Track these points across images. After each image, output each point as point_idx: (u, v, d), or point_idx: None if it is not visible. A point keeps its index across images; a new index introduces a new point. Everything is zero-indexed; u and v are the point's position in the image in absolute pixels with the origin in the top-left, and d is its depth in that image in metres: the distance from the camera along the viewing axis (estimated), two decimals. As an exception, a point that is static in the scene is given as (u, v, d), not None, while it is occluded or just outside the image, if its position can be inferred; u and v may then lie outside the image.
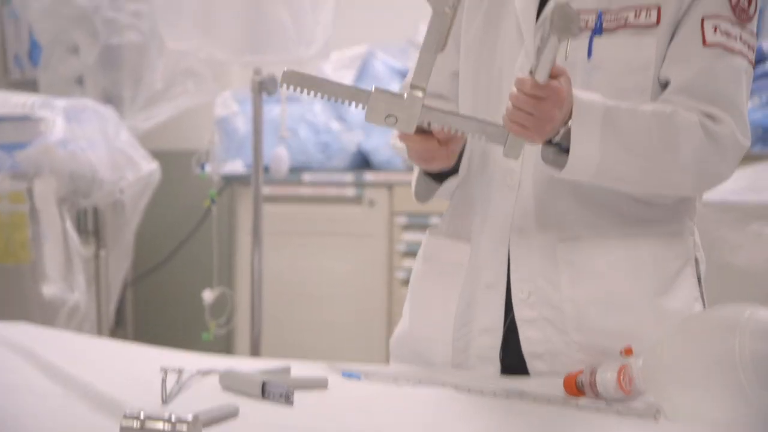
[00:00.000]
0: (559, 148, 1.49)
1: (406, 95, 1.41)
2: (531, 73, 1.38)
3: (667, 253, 1.58)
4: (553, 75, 1.39)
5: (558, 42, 1.34)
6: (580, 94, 1.46)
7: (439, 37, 1.39)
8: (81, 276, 3.35)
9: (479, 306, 1.62)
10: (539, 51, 1.37)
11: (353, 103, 1.42)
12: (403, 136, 1.50)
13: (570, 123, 1.45)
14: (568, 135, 1.46)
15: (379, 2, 4.16)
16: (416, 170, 1.69)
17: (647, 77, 1.54)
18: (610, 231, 1.57)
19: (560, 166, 1.48)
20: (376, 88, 1.42)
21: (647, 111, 1.49)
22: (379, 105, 1.42)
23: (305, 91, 1.43)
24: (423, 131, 1.48)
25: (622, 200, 1.57)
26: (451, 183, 1.65)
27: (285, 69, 1.43)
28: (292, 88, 1.42)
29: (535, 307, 1.58)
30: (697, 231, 1.65)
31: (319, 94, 1.42)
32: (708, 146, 1.50)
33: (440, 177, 1.66)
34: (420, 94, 1.41)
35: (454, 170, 1.64)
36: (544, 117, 1.40)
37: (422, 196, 1.70)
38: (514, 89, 1.40)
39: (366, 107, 1.42)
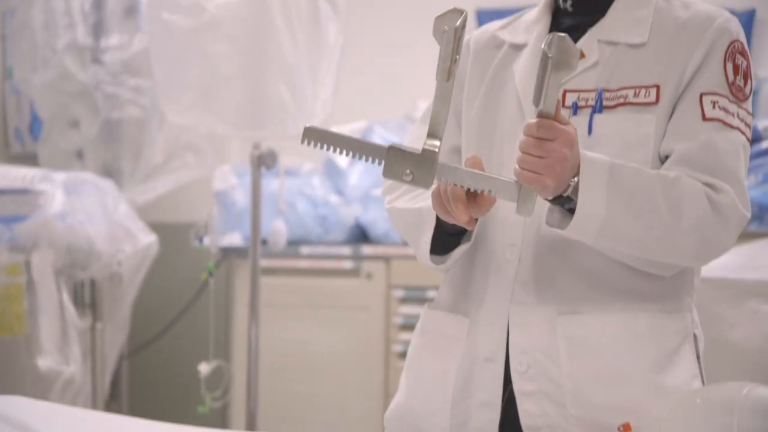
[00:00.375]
0: (563, 209, 1.50)
1: (421, 151, 1.42)
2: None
3: (666, 329, 1.58)
4: (560, 122, 1.41)
5: (556, 75, 1.35)
6: (585, 152, 1.47)
7: (444, 64, 1.40)
8: (76, 348, 3.33)
9: (478, 379, 1.61)
10: (540, 88, 1.38)
11: (370, 159, 1.44)
12: (455, 202, 1.47)
13: (577, 179, 1.46)
14: (574, 193, 1.47)
15: (377, 79, 4.22)
16: (423, 244, 1.65)
17: (647, 153, 1.56)
18: (609, 305, 1.57)
19: (565, 227, 1.49)
20: (391, 145, 1.43)
21: (652, 173, 1.51)
22: (395, 161, 1.43)
23: (325, 146, 1.44)
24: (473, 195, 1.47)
25: (622, 274, 1.57)
26: (462, 249, 1.63)
27: (306, 126, 1.45)
28: (312, 143, 1.44)
29: (533, 381, 1.57)
30: (695, 307, 1.65)
31: (338, 150, 1.44)
32: (711, 214, 1.51)
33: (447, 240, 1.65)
34: (436, 145, 1.42)
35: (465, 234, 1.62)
36: (554, 158, 1.41)
37: (432, 265, 1.67)
38: (523, 137, 1.41)
39: (383, 164, 1.43)
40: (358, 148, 1.44)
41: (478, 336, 1.61)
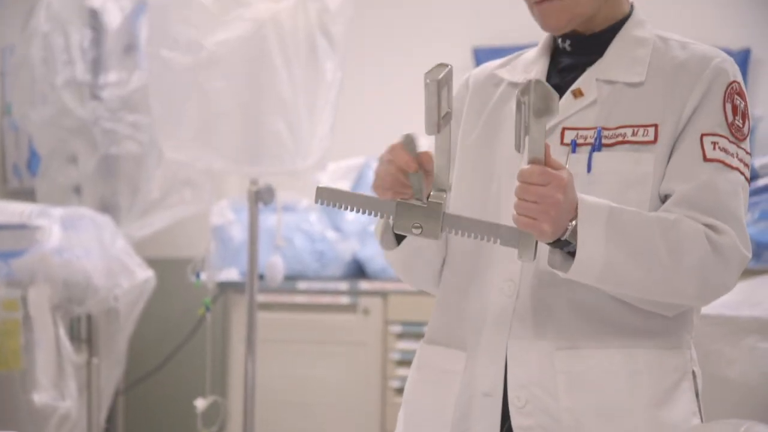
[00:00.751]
0: (564, 251, 1.51)
1: (427, 204, 1.46)
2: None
3: (665, 366, 1.58)
4: (551, 166, 1.42)
5: (538, 121, 1.37)
6: (583, 195, 1.48)
7: (431, 116, 1.42)
8: (72, 383, 3.32)
9: (475, 414, 1.61)
10: (518, 134, 1.40)
11: (380, 214, 1.48)
12: (391, 151, 1.49)
13: (575, 222, 1.46)
14: (573, 237, 1.47)
15: (375, 115, 4.24)
16: (381, 223, 1.65)
17: (645, 191, 1.56)
18: (608, 341, 1.56)
19: (566, 269, 1.50)
20: (399, 201, 1.47)
21: (651, 216, 1.52)
22: (404, 216, 1.47)
23: (337, 205, 1.49)
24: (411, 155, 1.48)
25: (620, 310, 1.57)
26: (417, 242, 1.61)
27: (318, 186, 1.50)
28: (326, 203, 1.49)
29: (531, 416, 1.56)
30: (693, 344, 1.65)
31: (348, 208, 1.49)
32: (712, 255, 1.51)
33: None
34: (442, 196, 1.46)
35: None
36: (548, 202, 1.42)
37: (387, 243, 1.66)
38: (518, 183, 1.43)
39: (393, 218, 1.47)
40: (368, 204, 1.49)
41: (476, 370, 1.61)
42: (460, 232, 1.47)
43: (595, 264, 1.48)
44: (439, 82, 1.40)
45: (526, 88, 1.37)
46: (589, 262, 1.48)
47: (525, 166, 1.43)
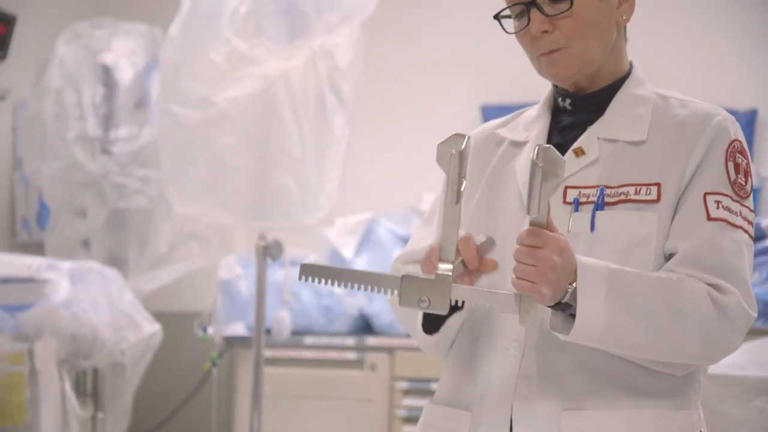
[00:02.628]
0: (566, 314, 1.50)
1: (435, 276, 1.44)
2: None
3: (672, 427, 1.56)
4: (551, 230, 1.42)
5: (545, 185, 1.37)
6: (582, 258, 1.48)
7: (453, 186, 1.42)
8: (77, 438, 3.31)
9: (480, 475, 1.60)
10: (532, 198, 1.39)
11: (384, 290, 1.46)
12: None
13: (574, 285, 1.46)
14: (574, 299, 1.47)
15: (382, 172, 4.26)
16: (417, 319, 1.66)
17: (649, 250, 1.56)
18: (614, 402, 1.55)
19: (567, 331, 1.49)
20: (405, 275, 1.45)
21: (652, 276, 1.51)
22: (411, 290, 1.44)
23: (336, 283, 1.46)
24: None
25: (627, 371, 1.56)
26: (456, 321, 1.63)
27: (302, 263, 1.48)
28: (312, 280, 1.46)
29: (537, 478, 1.55)
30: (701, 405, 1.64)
31: (350, 285, 1.46)
32: (716, 315, 1.50)
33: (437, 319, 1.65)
34: (449, 269, 1.44)
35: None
36: (545, 265, 1.42)
37: (426, 338, 1.66)
38: (516, 246, 1.43)
39: (399, 294, 1.44)
40: (370, 280, 1.47)
41: (481, 431, 1.60)
42: (465, 302, 1.47)
43: (596, 326, 1.47)
44: (462, 154, 1.42)
45: (537, 153, 1.37)
46: (589, 324, 1.47)
47: (523, 229, 1.43)
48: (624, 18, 1.66)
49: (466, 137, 1.43)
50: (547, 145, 1.38)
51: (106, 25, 4.04)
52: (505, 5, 1.65)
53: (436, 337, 1.64)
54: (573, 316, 1.49)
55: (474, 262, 1.48)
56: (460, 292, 1.45)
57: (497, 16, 1.67)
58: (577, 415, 1.55)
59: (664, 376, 1.57)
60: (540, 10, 1.60)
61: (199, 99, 3.06)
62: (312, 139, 3.08)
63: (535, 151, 1.38)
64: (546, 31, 1.60)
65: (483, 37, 4.16)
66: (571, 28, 1.60)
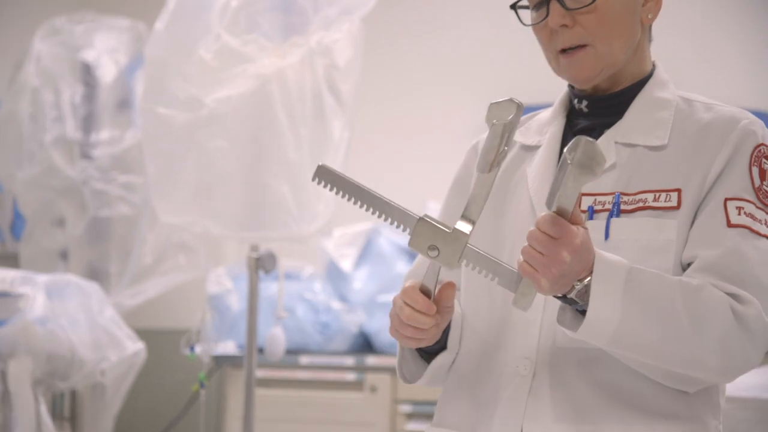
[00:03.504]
0: (577, 310, 1.51)
1: (452, 229, 1.46)
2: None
3: (691, 453, 1.58)
4: (573, 222, 1.42)
5: (577, 177, 1.37)
6: (601, 252, 1.48)
7: (488, 155, 1.45)
8: (53, 467, 3.31)
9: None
10: (554, 191, 1.41)
11: (397, 224, 1.47)
12: (407, 295, 1.53)
13: (589, 279, 1.47)
14: (587, 293, 1.47)
15: (384, 178, 4.26)
16: (401, 350, 1.71)
17: (668, 259, 1.57)
18: (631, 424, 1.56)
19: (576, 328, 1.49)
20: (424, 216, 1.47)
21: (673, 279, 1.51)
22: (424, 233, 1.46)
23: (347, 197, 1.48)
24: (427, 294, 1.53)
25: (644, 391, 1.56)
26: (442, 360, 1.66)
27: (320, 164, 1.50)
28: (327, 186, 1.49)
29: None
30: (723, 430, 1.65)
31: (365, 207, 1.48)
32: (736, 327, 1.51)
33: (426, 355, 1.69)
34: (468, 228, 1.46)
35: (440, 347, 1.66)
36: (552, 258, 1.42)
37: (411, 376, 1.71)
38: (533, 228, 1.44)
39: (411, 233, 1.46)
40: (384, 208, 1.48)
41: (488, 456, 1.61)
42: (472, 265, 1.48)
43: (609, 325, 1.47)
44: (504, 126, 1.44)
45: (574, 145, 1.37)
46: (601, 322, 1.47)
47: (547, 213, 1.43)
48: (650, 17, 1.68)
49: (518, 106, 1.44)
50: (590, 139, 1.38)
51: (87, 20, 4.06)
52: None
53: (425, 380, 1.69)
54: (583, 313, 1.49)
55: (431, 310, 1.53)
56: (469, 252, 1.47)
57: (514, 6, 1.67)
58: (591, 437, 1.56)
59: (681, 396, 1.57)
60: (560, 2, 1.61)
61: (187, 99, 3.06)
62: (309, 142, 3.08)
63: (572, 145, 1.37)
64: (565, 26, 1.62)
65: (491, 37, 4.19)
66: (593, 24, 1.61)
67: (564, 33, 1.62)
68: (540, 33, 1.66)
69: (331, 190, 1.49)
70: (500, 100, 1.45)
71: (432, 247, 1.46)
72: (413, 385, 1.76)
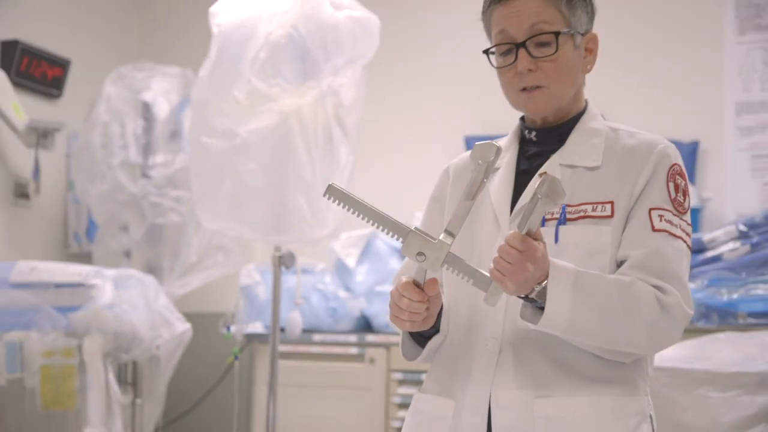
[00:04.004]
0: (536, 307, 1.51)
1: (437, 240, 1.46)
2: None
3: (627, 410, 1.57)
4: (535, 238, 1.44)
5: (543, 206, 1.39)
6: (554, 260, 1.49)
7: (473, 187, 1.44)
8: (119, 421, 3.29)
9: (462, 454, 1.59)
10: (525, 219, 1.42)
11: (392, 234, 1.46)
12: (403, 288, 1.52)
13: (546, 283, 1.47)
14: (544, 294, 1.48)
15: (380, 193, 4.25)
16: (402, 335, 1.69)
17: (605, 259, 1.57)
18: (578, 390, 1.56)
19: (537, 321, 1.50)
20: (415, 228, 1.47)
21: (611, 278, 1.52)
22: (413, 243, 1.46)
23: (351, 210, 1.47)
24: (418, 287, 1.52)
25: (588, 363, 1.57)
26: (435, 342, 1.66)
27: (330, 184, 1.50)
28: (336, 201, 1.48)
29: (514, 456, 1.55)
30: (651, 393, 1.64)
31: (364, 218, 1.47)
32: (661, 313, 1.51)
33: (421, 339, 1.68)
34: (450, 240, 1.46)
35: (434, 331, 1.65)
36: (519, 268, 1.43)
37: (411, 355, 1.71)
38: (503, 243, 1.44)
39: (403, 242, 1.46)
40: (383, 221, 1.47)
41: (463, 416, 1.60)
42: (452, 269, 1.48)
43: (562, 317, 1.48)
44: (488, 165, 1.44)
45: (543, 181, 1.39)
46: (556, 315, 1.48)
47: (516, 232, 1.44)
48: (588, 67, 1.69)
49: (497, 148, 1.44)
50: (556, 177, 1.40)
51: (146, 68, 4.05)
52: (492, 44, 1.66)
53: (422, 357, 1.68)
54: (541, 309, 1.50)
55: (424, 299, 1.52)
56: (451, 259, 1.47)
57: (486, 52, 1.67)
58: (547, 401, 1.56)
59: (619, 366, 1.58)
60: (528, 51, 1.60)
61: (224, 131, 3.06)
62: (320, 165, 3.08)
63: (542, 181, 1.40)
64: (530, 70, 1.61)
65: (466, 78, 4.18)
66: (552, 71, 1.61)
67: (528, 75, 1.62)
68: (506, 74, 1.65)
69: (338, 205, 1.49)
70: (483, 142, 1.46)
71: (420, 254, 1.46)
72: (409, 361, 1.75)
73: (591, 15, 1.67)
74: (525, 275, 1.44)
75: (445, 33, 4.33)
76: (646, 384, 1.63)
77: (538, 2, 1.60)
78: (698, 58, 3.94)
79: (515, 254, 1.43)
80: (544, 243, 1.46)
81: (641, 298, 1.51)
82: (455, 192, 1.73)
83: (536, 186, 1.40)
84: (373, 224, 1.47)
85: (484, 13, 1.68)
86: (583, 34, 1.65)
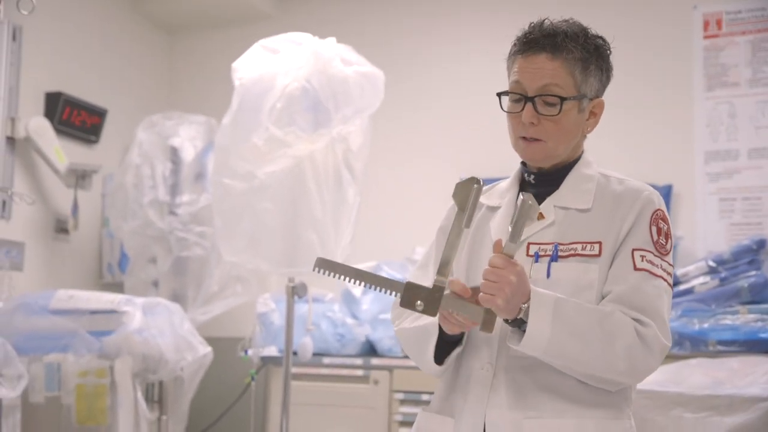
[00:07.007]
0: (521, 331, 1.50)
1: (432, 287, 1.45)
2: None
3: (611, 431, 1.56)
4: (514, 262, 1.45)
5: (524, 224, 1.41)
6: (536, 287, 1.49)
7: (459, 230, 1.44)
8: (146, 437, 3.27)
9: (460, 469, 1.58)
10: (514, 229, 1.43)
11: (387, 292, 1.44)
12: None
13: (527, 305, 1.47)
14: (526, 316, 1.47)
15: (384, 230, 4.26)
16: (424, 356, 1.65)
17: (593, 294, 1.56)
18: (565, 412, 1.55)
19: (518, 343, 1.50)
20: (408, 282, 1.46)
21: (590, 307, 1.52)
22: (411, 295, 1.45)
23: (345, 279, 1.44)
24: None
25: (575, 388, 1.56)
26: (459, 349, 1.64)
27: (318, 257, 1.47)
28: (324, 273, 1.44)
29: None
30: (633, 415, 1.62)
31: (360, 283, 1.44)
32: (638, 342, 1.50)
33: (443, 344, 1.64)
34: (444, 281, 1.45)
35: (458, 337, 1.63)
36: (503, 281, 1.43)
37: (433, 368, 1.66)
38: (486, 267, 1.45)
39: (401, 295, 1.45)
40: (378, 281, 1.46)
41: (461, 432, 1.58)
42: (450, 309, 1.46)
43: (542, 340, 1.47)
44: (470, 206, 1.45)
45: (524, 201, 1.42)
46: (537, 337, 1.47)
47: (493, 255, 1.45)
48: (589, 129, 1.68)
49: (475, 188, 1.44)
50: (531, 198, 1.42)
51: (175, 117, 4.08)
52: (507, 89, 1.64)
53: (445, 366, 1.64)
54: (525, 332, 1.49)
55: (467, 292, 1.49)
56: (447, 301, 1.46)
57: (500, 94, 1.66)
58: (536, 422, 1.55)
59: (604, 392, 1.57)
60: (534, 106, 1.60)
61: (244, 173, 3.07)
62: (331, 204, 3.08)
63: (523, 200, 1.42)
64: (533, 123, 1.61)
65: (462, 126, 4.20)
66: (552, 129, 1.61)
67: (530, 127, 1.62)
68: (512, 119, 1.65)
69: (328, 275, 1.45)
70: (463, 180, 1.47)
71: (418, 303, 1.45)
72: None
73: (604, 83, 1.67)
74: (510, 287, 1.44)
75: (444, 86, 4.35)
76: (629, 408, 1.62)
77: (555, 65, 1.59)
78: (671, 112, 3.96)
79: (498, 271, 1.43)
80: (518, 263, 1.47)
81: (620, 326, 1.50)
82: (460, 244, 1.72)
83: (518, 203, 1.43)
84: (367, 286, 1.45)
85: (509, 57, 1.66)
86: (591, 99, 1.64)
